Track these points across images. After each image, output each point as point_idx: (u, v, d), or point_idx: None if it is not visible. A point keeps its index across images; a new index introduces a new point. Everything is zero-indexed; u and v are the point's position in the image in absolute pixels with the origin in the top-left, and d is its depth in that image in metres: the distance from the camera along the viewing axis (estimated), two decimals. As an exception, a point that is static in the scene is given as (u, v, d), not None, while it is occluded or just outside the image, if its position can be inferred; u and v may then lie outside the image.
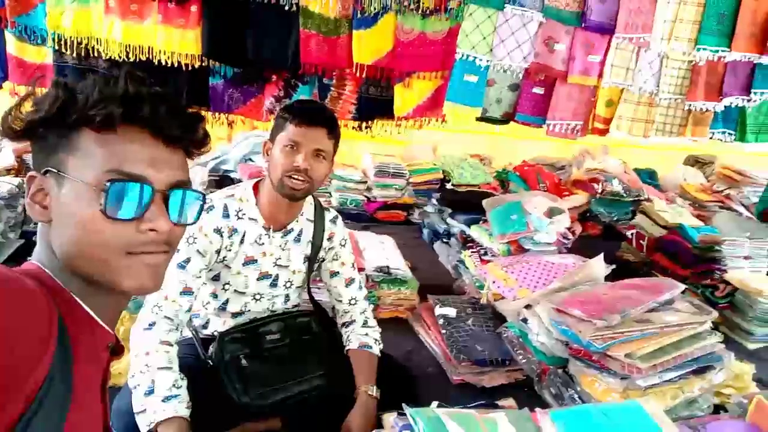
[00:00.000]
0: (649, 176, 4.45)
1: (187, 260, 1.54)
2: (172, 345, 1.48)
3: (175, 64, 3.02)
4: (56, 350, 0.65)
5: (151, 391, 1.37)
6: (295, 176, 1.55)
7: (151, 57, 2.99)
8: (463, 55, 3.44)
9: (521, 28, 3.45)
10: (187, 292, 1.53)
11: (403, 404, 1.35)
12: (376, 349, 1.79)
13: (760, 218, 3.54)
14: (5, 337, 0.59)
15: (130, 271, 0.74)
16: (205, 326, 1.73)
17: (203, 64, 3.08)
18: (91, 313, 0.76)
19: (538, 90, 3.66)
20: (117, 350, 0.85)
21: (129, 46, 2.97)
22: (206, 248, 1.57)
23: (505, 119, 3.71)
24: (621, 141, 4.33)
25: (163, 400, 1.36)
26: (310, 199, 1.76)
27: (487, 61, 3.48)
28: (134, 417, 1.39)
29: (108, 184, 0.71)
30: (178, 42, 3.01)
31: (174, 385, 1.39)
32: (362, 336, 1.79)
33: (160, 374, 1.39)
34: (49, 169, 0.73)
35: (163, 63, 3.00)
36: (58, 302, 0.69)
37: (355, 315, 1.84)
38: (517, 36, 3.47)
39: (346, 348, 1.78)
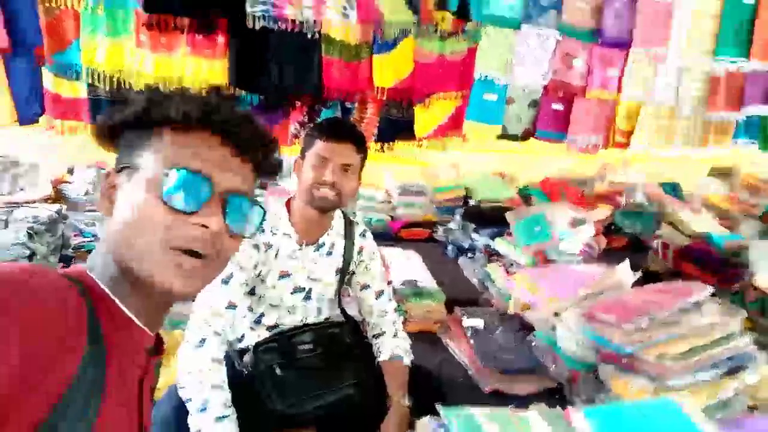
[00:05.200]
0: (672, 189, 4.43)
1: (230, 275, 1.59)
2: (222, 363, 1.53)
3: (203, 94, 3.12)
4: (87, 349, 0.65)
5: (204, 409, 1.42)
6: (324, 188, 1.61)
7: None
8: (481, 75, 3.51)
9: (538, 46, 3.51)
10: (232, 306, 1.60)
11: (436, 404, 1.37)
12: (407, 360, 1.81)
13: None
14: (30, 335, 0.59)
15: (166, 267, 0.73)
16: (240, 340, 1.78)
17: (230, 92, 3.18)
18: (129, 314, 0.77)
19: (558, 106, 3.71)
20: (158, 351, 0.85)
21: (159, 77, 3.09)
22: (246, 263, 1.63)
23: (526, 136, 3.76)
24: (642, 154, 4.33)
25: (216, 420, 1.41)
26: (339, 213, 1.82)
27: (506, 80, 3.54)
28: (171, 428, 1.45)
29: (169, 170, 0.74)
30: (205, 72, 3.12)
31: (225, 405, 1.44)
32: (393, 347, 1.82)
33: (213, 393, 1.44)
34: (124, 165, 0.77)
35: (192, 92, 3.11)
36: (96, 303, 0.71)
37: (385, 326, 1.87)
38: (535, 54, 3.53)
39: (378, 359, 1.81)
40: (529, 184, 4.07)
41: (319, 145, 1.63)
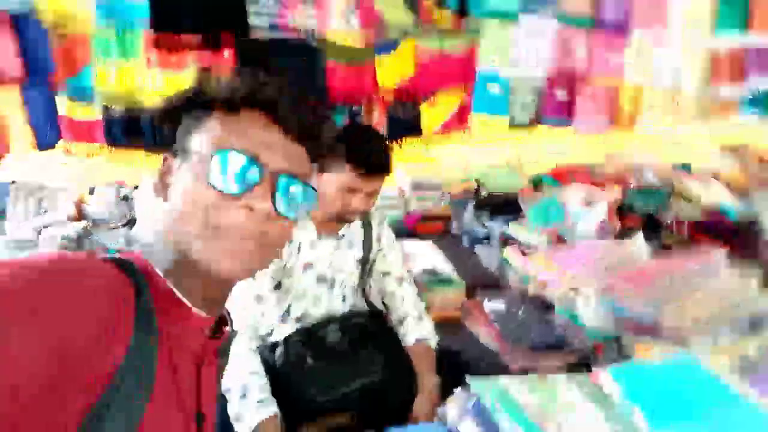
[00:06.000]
0: (682, 167, 4.43)
1: None
2: (255, 353, 1.60)
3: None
4: (133, 339, 0.64)
5: (244, 395, 1.46)
6: (351, 216, 1.69)
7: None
8: (484, 69, 3.56)
9: (538, 35, 3.56)
10: (261, 298, 1.68)
11: (466, 375, 1.41)
12: (433, 342, 1.86)
13: None
14: (64, 326, 0.57)
15: (215, 249, 0.72)
16: (269, 334, 1.83)
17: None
18: (183, 298, 0.76)
19: (561, 92, 3.75)
20: (219, 330, 0.85)
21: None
22: None
23: (533, 124, 3.81)
24: (650, 135, 4.35)
25: (257, 403, 1.46)
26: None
27: (508, 71, 3.59)
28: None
29: (216, 152, 0.73)
30: (214, 85, 3.19)
31: (264, 389, 1.50)
32: (419, 330, 1.87)
33: (252, 378, 1.50)
34: (179, 149, 0.78)
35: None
36: (151, 288, 0.71)
37: (408, 311, 1.92)
38: (535, 44, 3.58)
39: (403, 343, 1.86)
40: (539, 173, 4.10)
41: (350, 176, 1.59)
